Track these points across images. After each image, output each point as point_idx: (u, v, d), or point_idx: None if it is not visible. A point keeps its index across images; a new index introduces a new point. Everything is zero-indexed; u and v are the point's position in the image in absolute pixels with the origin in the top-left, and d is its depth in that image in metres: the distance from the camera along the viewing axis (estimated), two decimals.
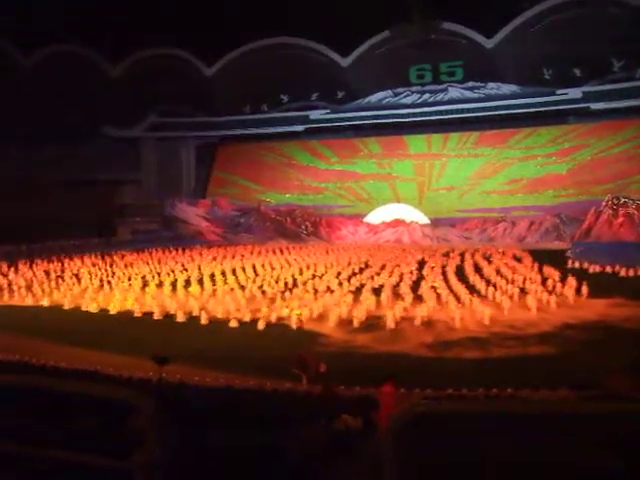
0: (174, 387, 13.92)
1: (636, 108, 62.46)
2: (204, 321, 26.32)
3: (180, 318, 27.02)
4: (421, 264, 41.64)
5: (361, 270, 39.43)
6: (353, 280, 34.73)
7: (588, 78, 66.53)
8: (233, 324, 25.56)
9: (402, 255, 48.40)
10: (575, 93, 65.88)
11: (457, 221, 67.06)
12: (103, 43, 73.29)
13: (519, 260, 42.77)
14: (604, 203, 59.88)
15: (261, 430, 5.57)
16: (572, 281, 29.63)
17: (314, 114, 75.89)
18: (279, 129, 76.32)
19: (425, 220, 68.34)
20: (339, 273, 37.76)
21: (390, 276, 35.89)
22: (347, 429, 7.82)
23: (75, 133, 68.29)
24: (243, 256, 50.10)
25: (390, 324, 23.81)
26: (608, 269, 37.93)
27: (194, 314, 27.36)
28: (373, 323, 24.84)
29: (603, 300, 27.39)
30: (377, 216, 70.55)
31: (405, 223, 67.49)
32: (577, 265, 40.39)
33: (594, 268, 38.61)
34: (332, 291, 31.10)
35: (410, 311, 25.82)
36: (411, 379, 15.34)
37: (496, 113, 68.75)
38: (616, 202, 59.48)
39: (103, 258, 48.98)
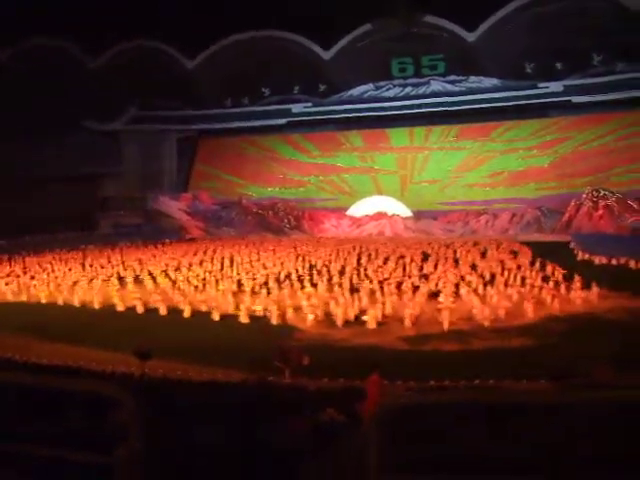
0: (157, 382, 13.87)
1: (616, 101, 62.89)
2: (187, 314, 26.27)
3: (163, 312, 26.94)
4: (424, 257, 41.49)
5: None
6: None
7: (569, 72, 66.92)
8: (216, 317, 25.58)
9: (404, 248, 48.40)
10: (556, 86, 66.23)
11: (439, 214, 67.16)
12: (83, 35, 72.56)
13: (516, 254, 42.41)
14: (584, 196, 60.37)
15: (245, 424, 5.55)
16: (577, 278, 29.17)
17: (296, 107, 75.73)
18: (261, 122, 76.07)
19: (407, 213, 68.46)
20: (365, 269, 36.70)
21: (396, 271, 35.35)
22: (331, 422, 7.83)
23: (55, 127, 67.70)
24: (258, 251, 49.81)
25: (371, 322, 23.46)
26: (614, 261, 37.81)
27: (177, 308, 27.28)
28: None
29: (591, 292, 27.26)
30: (359, 209, 70.57)
31: (387, 216, 67.54)
32: (586, 257, 40.35)
33: (600, 260, 38.58)
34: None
35: (398, 306, 25.55)
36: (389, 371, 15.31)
37: (478, 106, 68.89)
38: (596, 195, 59.99)
39: (83, 252, 48.78)
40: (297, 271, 36.34)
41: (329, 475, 4.18)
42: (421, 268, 36.22)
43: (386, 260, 40.03)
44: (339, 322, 23.63)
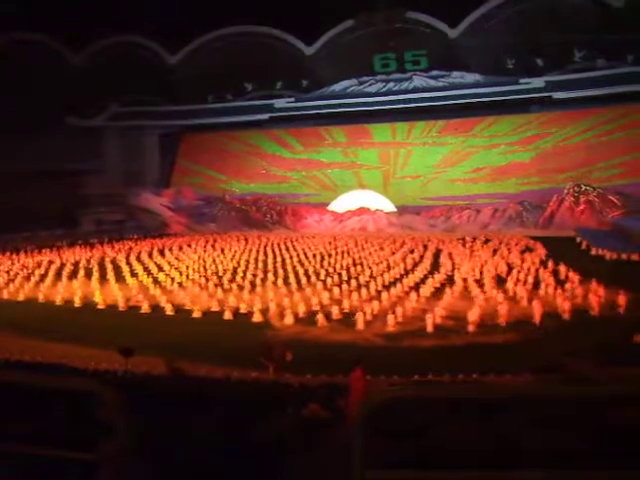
0: (140, 378, 13.81)
1: (597, 97, 63.33)
2: (169, 312, 26.23)
3: (145, 309, 26.89)
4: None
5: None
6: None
7: (550, 68, 67.35)
8: (197, 315, 25.59)
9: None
10: (538, 82, 66.63)
11: (422, 209, 67.40)
12: (64, 31, 71.96)
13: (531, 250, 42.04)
14: (566, 191, 60.90)
15: (228, 420, 5.55)
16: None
17: (279, 103, 75.64)
18: (244, 118, 75.90)
19: (390, 207, 68.61)
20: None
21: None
22: (315, 418, 7.83)
23: (37, 123, 67.05)
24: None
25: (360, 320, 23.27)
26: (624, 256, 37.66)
27: (159, 305, 27.25)
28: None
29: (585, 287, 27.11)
30: (342, 203, 70.64)
31: (370, 211, 67.66)
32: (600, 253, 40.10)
33: (611, 255, 38.51)
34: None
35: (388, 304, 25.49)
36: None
37: (460, 102, 69.16)
38: (577, 190, 60.54)
39: (60, 249, 48.61)
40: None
41: (313, 471, 4.18)
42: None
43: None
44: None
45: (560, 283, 28.34)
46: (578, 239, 47.88)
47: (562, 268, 31.56)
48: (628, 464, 2.46)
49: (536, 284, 28.58)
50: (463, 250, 42.74)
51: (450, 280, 30.66)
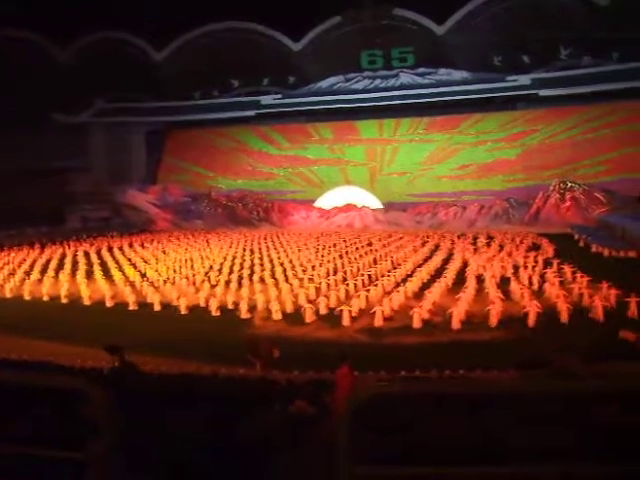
0: (127, 376, 13.75)
1: (583, 95, 63.60)
2: (157, 308, 26.22)
3: (132, 306, 26.83)
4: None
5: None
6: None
7: (537, 65, 67.66)
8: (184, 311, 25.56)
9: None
10: (524, 80, 66.77)
11: (408, 206, 67.55)
12: (50, 27, 71.41)
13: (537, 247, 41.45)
14: (552, 188, 61.24)
15: (215, 416, 5.54)
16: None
17: (265, 99, 75.47)
18: (230, 114, 75.62)
19: (377, 204, 68.73)
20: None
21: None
22: (301, 414, 7.83)
23: (22, 120, 66.54)
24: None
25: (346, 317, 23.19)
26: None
27: (147, 302, 27.22)
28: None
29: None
30: (328, 200, 70.69)
31: (357, 208, 67.74)
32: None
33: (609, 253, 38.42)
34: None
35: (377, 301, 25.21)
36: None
37: (447, 99, 69.26)
38: (563, 187, 60.89)
39: (46, 246, 48.43)
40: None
41: (300, 467, 4.18)
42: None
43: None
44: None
45: (566, 283, 27.66)
46: (576, 236, 47.71)
47: (567, 267, 30.69)
48: (614, 460, 2.47)
49: (540, 283, 27.98)
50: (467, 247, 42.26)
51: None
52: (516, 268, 32.06)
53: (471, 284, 27.49)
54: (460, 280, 29.08)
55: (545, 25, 62.17)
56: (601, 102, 63.66)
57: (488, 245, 43.62)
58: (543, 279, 28.57)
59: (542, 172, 64.24)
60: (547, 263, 33.54)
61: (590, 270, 29.06)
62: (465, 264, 33.85)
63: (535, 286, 27.57)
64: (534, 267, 32.03)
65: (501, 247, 41.81)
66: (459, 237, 49.04)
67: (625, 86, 60.30)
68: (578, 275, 28.41)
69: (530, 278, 29.17)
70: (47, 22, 69.79)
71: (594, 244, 41.84)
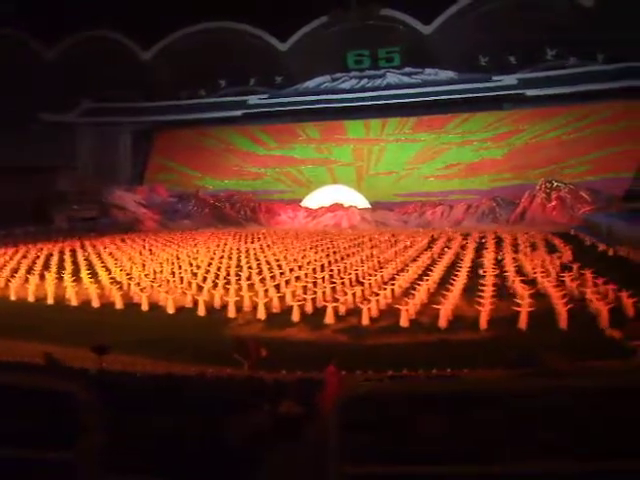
0: (115, 376, 13.73)
1: (569, 95, 63.90)
2: (145, 308, 26.13)
3: (119, 306, 26.75)
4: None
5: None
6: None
7: (523, 65, 67.97)
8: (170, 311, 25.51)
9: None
10: (510, 80, 67.05)
11: (395, 205, 67.70)
12: (37, 26, 70.98)
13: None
14: (538, 187, 61.54)
15: (203, 417, 5.55)
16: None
17: (252, 99, 75.41)
18: (217, 114, 75.53)
19: (364, 203, 68.80)
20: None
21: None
22: (290, 413, 7.85)
23: (8, 119, 66.10)
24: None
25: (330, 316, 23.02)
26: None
27: (133, 302, 27.14)
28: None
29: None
30: (315, 199, 70.69)
31: (344, 207, 67.77)
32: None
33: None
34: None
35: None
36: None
37: (433, 98, 69.39)
38: (549, 186, 61.22)
39: (32, 245, 48.20)
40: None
41: (289, 466, 4.20)
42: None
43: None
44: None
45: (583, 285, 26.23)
46: (581, 235, 47.05)
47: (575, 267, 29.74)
48: (602, 458, 2.51)
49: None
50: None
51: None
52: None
53: (489, 282, 26.30)
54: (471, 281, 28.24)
55: (531, 26, 62.35)
56: (586, 102, 64.02)
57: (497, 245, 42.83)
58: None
59: (528, 172, 64.53)
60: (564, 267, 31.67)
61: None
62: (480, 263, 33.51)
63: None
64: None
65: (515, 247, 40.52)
66: (465, 237, 48.21)
67: (610, 86, 60.70)
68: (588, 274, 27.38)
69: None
70: (33, 21, 69.44)
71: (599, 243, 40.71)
